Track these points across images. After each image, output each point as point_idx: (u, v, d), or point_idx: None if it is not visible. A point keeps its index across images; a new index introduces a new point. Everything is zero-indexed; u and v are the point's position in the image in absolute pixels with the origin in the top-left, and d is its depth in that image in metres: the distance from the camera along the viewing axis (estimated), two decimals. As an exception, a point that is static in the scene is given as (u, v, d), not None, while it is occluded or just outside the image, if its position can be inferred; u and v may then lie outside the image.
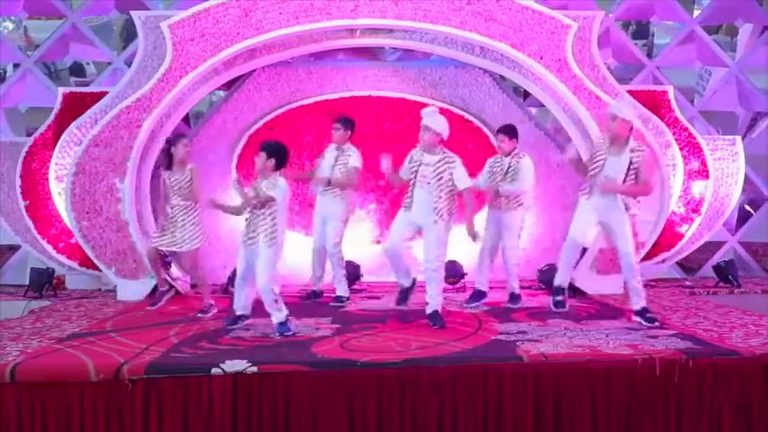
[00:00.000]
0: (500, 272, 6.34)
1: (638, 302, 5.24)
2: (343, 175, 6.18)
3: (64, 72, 9.83)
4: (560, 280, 5.52)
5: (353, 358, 4.12)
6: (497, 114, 7.84)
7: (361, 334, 4.87)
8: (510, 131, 6.02)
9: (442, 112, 7.72)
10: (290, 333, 4.85)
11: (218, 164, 7.64)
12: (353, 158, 6.21)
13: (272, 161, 4.86)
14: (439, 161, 5.07)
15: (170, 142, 5.87)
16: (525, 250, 7.71)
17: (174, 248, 5.84)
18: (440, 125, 5.13)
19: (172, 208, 5.82)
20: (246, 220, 4.96)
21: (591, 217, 5.27)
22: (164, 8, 8.12)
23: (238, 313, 5.11)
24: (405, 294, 5.51)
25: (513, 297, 6.12)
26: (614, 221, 5.21)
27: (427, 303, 5.21)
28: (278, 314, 4.89)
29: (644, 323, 5.11)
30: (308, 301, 6.28)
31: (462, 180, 5.14)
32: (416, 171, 5.12)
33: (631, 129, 5.15)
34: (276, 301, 4.86)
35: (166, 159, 5.83)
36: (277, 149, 4.92)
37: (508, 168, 5.92)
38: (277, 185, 4.86)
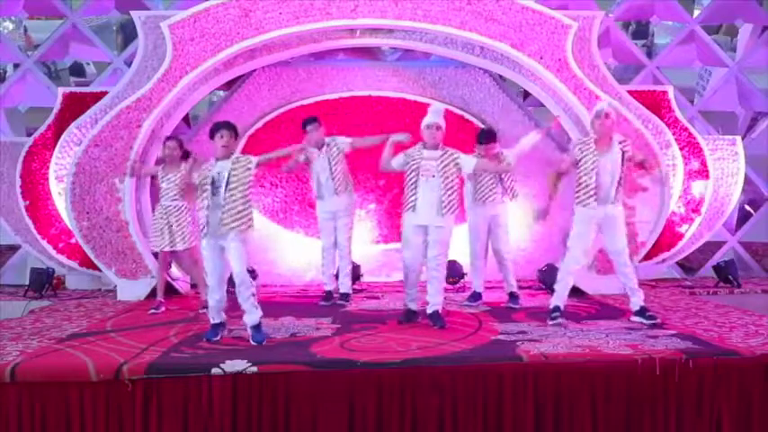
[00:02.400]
0: (497, 272, 6.35)
1: (637, 303, 5.25)
2: (344, 168, 6.17)
3: (64, 72, 9.85)
4: (560, 301, 5.28)
5: (353, 358, 4.11)
6: (497, 114, 7.85)
7: (361, 334, 4.86)
8: (495, 137, 6.05)
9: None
10: (265, 339, 4.62)
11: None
12: (341, 141, 6.15)
13: (235, 137, 4.67)
14: (443, 155, 5.06)
15: (163, 143, 6.01)
16: (525, 250, 7.74)
17: (174, 248, 5.90)
18: (444, 123, 5.16)
19: (165, 208, 5.87)
20: (209, 206, 4.52)
21: (590, 233, 5.21)
22: (164, 8, 8.13)
23: (218, 321, 4.72)
24: (410, 317, 5.29)
25: (513, 296, 6.12)
26: (611, 222, 5.17)
27: (427, 303, 5.20)
28: (255, 313, 4.63)
29: (645, 322, 5.11)
30: (327, 303, 6.19)
31: (469, 163, 5.13)
32: (418, 167, 5.06)
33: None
34: (254, 296, 4.65)
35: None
36: (234, 125, 4.70)
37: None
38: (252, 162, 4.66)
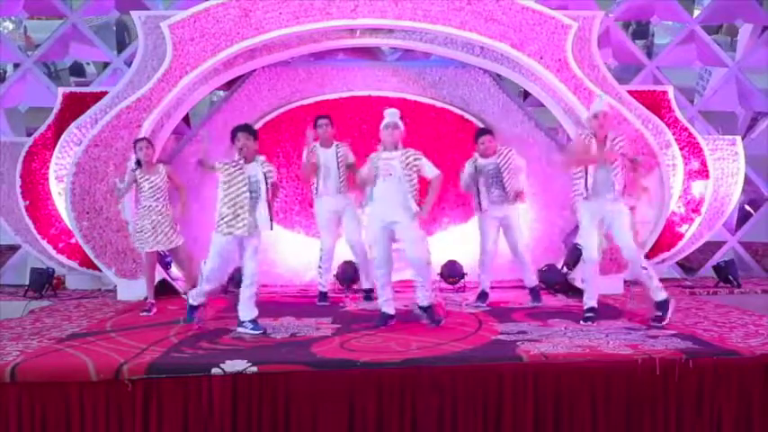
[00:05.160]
0: (496, 272, 6.35)
1: (659, 294, 5.21)
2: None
3: (64, 72, 9.83)
4: (593, 301, 5.33)
5: (353, 358, 4.11)
6: (497, 114, 7.85)
7: (361, 334, 4.86)
8: (491, 131, 6.12)
9: (442, 111, 7.83)
10: (262, 332, 4.86)
11: (218, 164, 7.64)
12: (348, 151, 6.24)
13: (253, 139, 4.91)
14: (403, 155, 5.06)
15: (134, 146, 5.97)
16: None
17: (171, 246, 5.91)
18: (401, 124, 5.17)
19: (148, 209, 5.81)
20: (243, 205, 4.79)
21: (595, 227, 5.24)
22: (164, 8, 8.13)
23: (198, 303, 5.02)
24: (386, 320, 5.19)
25: (536, 293, 6.18)
26: (616, 218, 5.19)
27: (420, 296, 5.19)
28: (255, 309, 4.94)
29: (660, 314, 5.13)
30: (325, 303, 6.25)
31: (433, 169, 5.12)
32: (377, 167, 5.04)
33: None
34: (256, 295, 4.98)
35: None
36: (249, 127, 4.99)
37: (498, 168, 5.93)
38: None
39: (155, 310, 5.87)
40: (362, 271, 6.33)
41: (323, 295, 6.32)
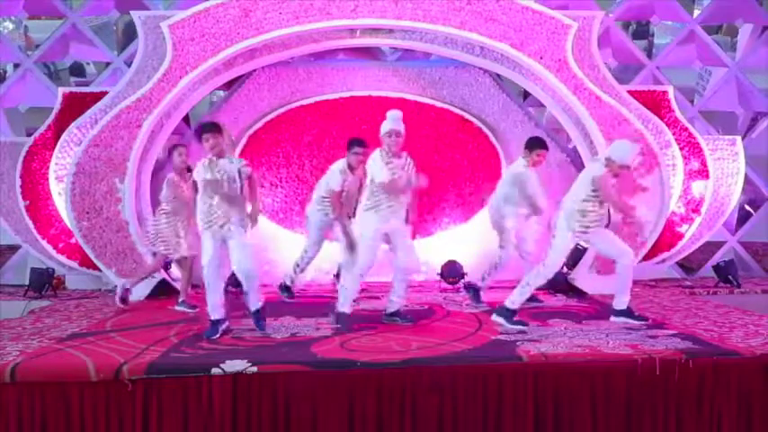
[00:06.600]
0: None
1: (625, 302, 5.28)
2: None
3: (64, 72, 9.83)
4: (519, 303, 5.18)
5: (353, 358, 4.11)
6: (497, 114, 7.85)
7: (361, 334, 4.87)
8: (544, 144, 5.83)
9: (442, 111, 7.83)
10: (265, 323, 4.92)
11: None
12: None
13: (220, 135, 4.83)
14: (405, 164, 5.09)
15: (168, 151, 5.99)
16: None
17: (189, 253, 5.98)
18: (403, 129, 5.08)
19: (177, 215, 5.87)
20: (214, 202, 4.72)
21: (570, 247, 5.26)
22: (164, 8, 8.13)
23: (217, 317, 4.83)
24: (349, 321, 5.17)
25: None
26: (597, 236, 5.22)
27: (391, 301, 5.25)
28: (261, 299, 4.94)
29: (633, 321, 5.16)
30: (289, 295, 6.45)
31: (419, 177, 5.13)
32: (392, 174, 4.96)
33: None
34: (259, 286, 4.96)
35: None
36: (215, 124, 4.94)
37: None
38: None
39: (130, 296, 6.04)
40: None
41: (287, 288, 6.42)
